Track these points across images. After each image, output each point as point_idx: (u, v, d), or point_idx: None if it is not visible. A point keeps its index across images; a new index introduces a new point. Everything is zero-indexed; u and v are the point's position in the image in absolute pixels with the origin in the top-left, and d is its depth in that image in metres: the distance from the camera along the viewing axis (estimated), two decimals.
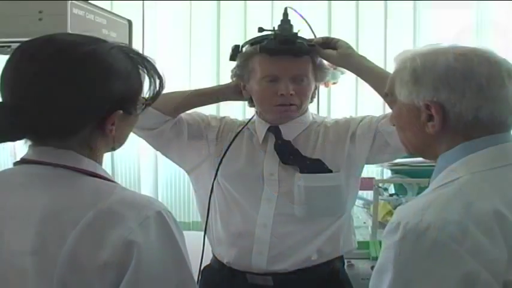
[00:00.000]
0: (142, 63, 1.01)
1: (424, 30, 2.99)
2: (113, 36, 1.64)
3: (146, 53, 1.04)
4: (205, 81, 2.92)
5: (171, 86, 1.15)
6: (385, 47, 2.96)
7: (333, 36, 1.68)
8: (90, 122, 0.95)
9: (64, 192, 0.92)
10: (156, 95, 1.05)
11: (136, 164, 3.11)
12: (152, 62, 1.03)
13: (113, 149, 1.03)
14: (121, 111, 0.97)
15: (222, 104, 2.43)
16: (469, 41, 2.93)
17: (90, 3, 1.56)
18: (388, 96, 1.12)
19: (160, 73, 1.04)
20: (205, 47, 3.05)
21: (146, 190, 3.11)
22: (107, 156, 1.03)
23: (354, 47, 1.66)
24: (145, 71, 1.01)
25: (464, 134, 1.00)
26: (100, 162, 1.00)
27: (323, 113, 2.33)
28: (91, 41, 0.97)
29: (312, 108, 1.78)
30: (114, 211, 0.88)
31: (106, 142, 0.99)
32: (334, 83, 2.11)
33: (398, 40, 2.98)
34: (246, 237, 1.65)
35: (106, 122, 0.96)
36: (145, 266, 0.86)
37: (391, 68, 1.14)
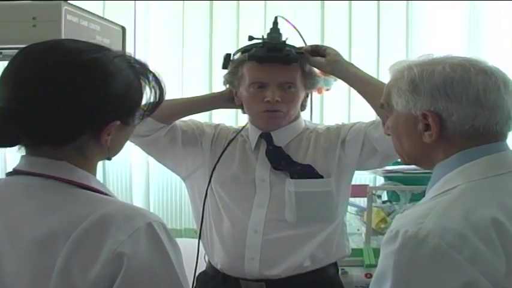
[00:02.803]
0: (144, 73, 1.00)
1: (416, 31, 3.00)
2: (107, 42, 1.63)
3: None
4: (198, 88, 2.91)
5: None
6: (378, 44, 2.94)
7: (326, 35, 1.69)
8: (87, 131, 0.94)
9: (55, 205, 0.91)
10: (155, 106, 1.04)
11: (128, 171, 3.09)
12: (155, 72, 1.02)
13: (108, 158, 1.01)
14: (118, 122, 0.96)
15: (215, 111, 2.43)
16: (462, 40, 2.97)
17: (84, 10, 1.55)
18: (384, 106, 1.12)
19: (162, 85, 1.03)
20: (197, 54, 3.05)
21: (138, 197, 3.10)
22: (98, 163, 1.02)
23: (347, 46, 1.67)
24: (146, 81, 1.00)
25: (461, 143, 1.01)
26: (94, 171, 0.99)
27: (316, 120, 2.34)
28: (95, 49, 0.96)
29: (305, 115, 1.79)
30: (104, 224, 0.87)
31: (101, 151, 0.98)
32: (327, 90, 2.11)
33: (391, 39, 2.99)
34: (238, 243, 1.65)
35: (102, 132, 0.94)
36: (133, 277, 0.85)
37: (384, 69, 1.13)
